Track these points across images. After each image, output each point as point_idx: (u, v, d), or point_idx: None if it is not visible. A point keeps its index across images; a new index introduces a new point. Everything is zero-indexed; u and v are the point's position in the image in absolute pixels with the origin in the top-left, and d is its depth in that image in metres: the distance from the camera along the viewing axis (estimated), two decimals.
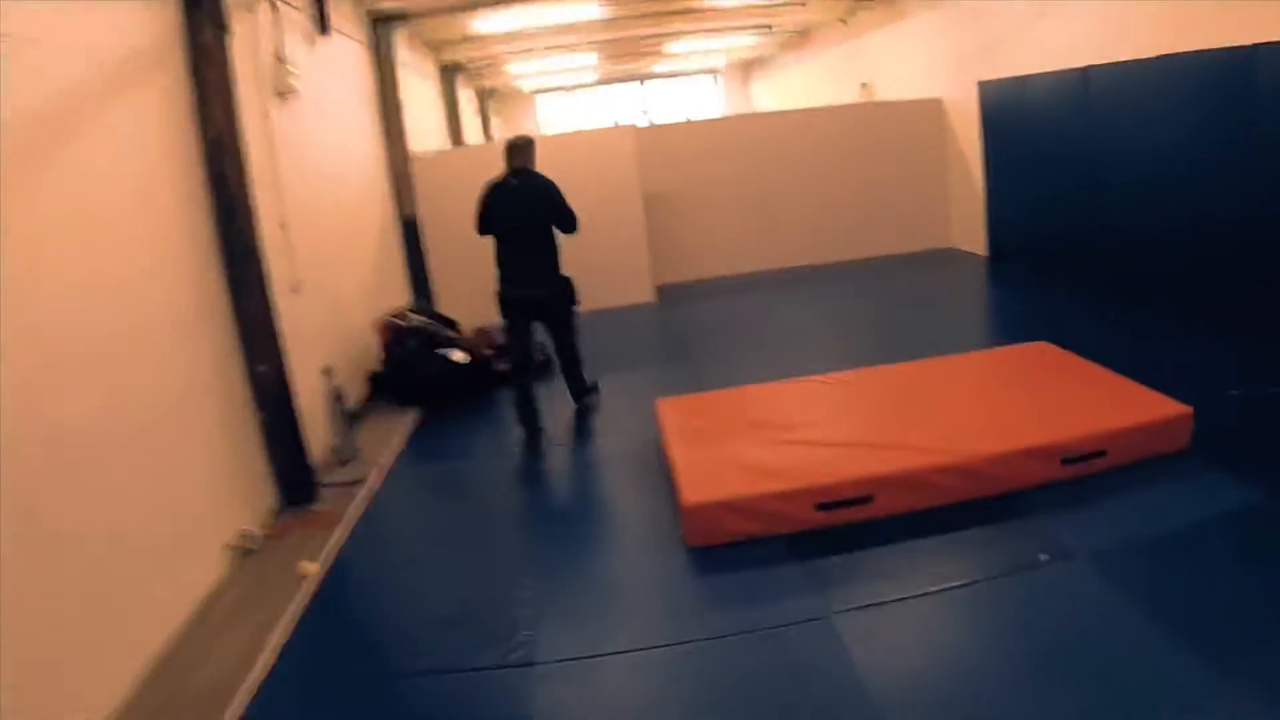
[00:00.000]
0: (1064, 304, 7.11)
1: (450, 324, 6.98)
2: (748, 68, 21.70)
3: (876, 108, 10.73)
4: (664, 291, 9.27)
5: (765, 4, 11.74)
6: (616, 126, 10.05)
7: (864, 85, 12.36)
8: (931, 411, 4.33)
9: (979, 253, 9.51)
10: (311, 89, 6.17)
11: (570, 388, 5.78)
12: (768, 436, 4.22)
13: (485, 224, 5.33)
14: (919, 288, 8.62)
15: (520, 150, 5.29)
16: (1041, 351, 5.08)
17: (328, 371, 5.74)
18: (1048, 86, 7.56)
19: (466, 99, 15.83)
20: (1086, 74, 6.97)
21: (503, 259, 5.32)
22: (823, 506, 3.60)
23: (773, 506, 3.60)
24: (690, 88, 23.56)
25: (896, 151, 9.91)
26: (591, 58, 15.83)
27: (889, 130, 9.88)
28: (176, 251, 4.04)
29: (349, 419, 5.65)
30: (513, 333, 5.46)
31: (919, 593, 3.25)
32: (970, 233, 9.63)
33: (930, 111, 9.86)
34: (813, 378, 5.17)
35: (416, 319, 6.67)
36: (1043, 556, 3.36)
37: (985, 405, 4.36)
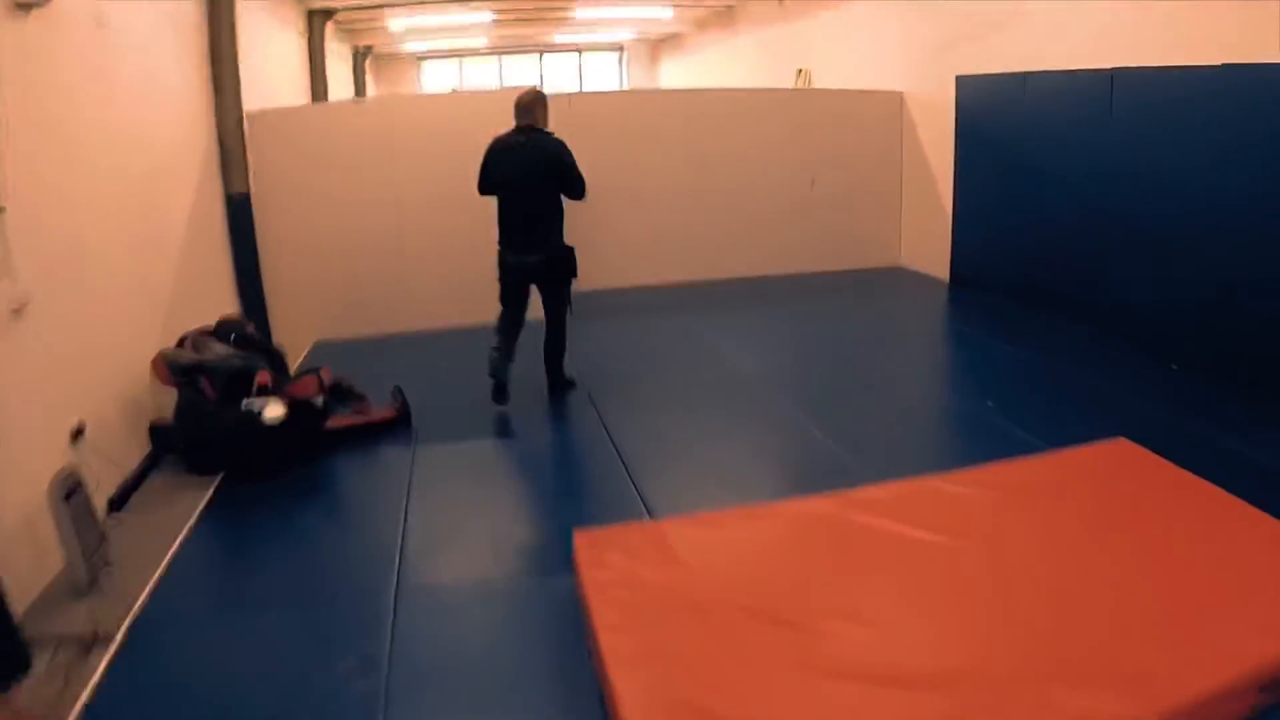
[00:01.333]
0: (1071, 357, 5.66)
1: (270, 355, 4.96)
2: (657, 46, 20.00)
3: (824, 96, 9.13)
4: None
5: None
6: (505, 89, 8.02)
7: (801, 71, 10.85)
8: (1039, 594, 2.72)
9: (936, 276, 8.11)
10: (88, 6, 4.43)
11: (548, 370, 5.35)
12: (790, 653, 2.46)
13: (485, 183, 5.12)
14: (880, 319, 7.14)
15: (527, 108, 4.99)
16: (1126, 458, 3.57)
17: (79, 433, 3.98)
18: (1058, 89, 6.13)
19: (337, 56, 13.60)
20: (1113, 77, 5.57)
21: (502, 221, 5.10)
22: None
23: None
24: (591, 64, 21.79)
25: (843, 150, 8.36)
26: (486, 17, 13.79)
27: (837, 124, 8.32)
28: None
29: (91, 522, 3.67)
30: (504, 297, 5.19)
31: None
32: (927, 252, 8.22)
33: (889, 106, 8.37)
34: (821, 497, 3.43)
35: (218, 350, 4.65)
36: None
37: (1117, 580, 2.76)
